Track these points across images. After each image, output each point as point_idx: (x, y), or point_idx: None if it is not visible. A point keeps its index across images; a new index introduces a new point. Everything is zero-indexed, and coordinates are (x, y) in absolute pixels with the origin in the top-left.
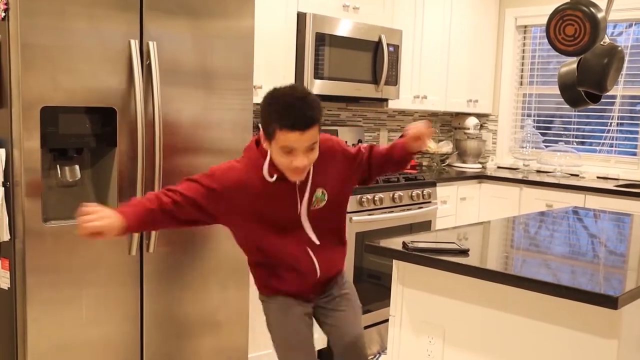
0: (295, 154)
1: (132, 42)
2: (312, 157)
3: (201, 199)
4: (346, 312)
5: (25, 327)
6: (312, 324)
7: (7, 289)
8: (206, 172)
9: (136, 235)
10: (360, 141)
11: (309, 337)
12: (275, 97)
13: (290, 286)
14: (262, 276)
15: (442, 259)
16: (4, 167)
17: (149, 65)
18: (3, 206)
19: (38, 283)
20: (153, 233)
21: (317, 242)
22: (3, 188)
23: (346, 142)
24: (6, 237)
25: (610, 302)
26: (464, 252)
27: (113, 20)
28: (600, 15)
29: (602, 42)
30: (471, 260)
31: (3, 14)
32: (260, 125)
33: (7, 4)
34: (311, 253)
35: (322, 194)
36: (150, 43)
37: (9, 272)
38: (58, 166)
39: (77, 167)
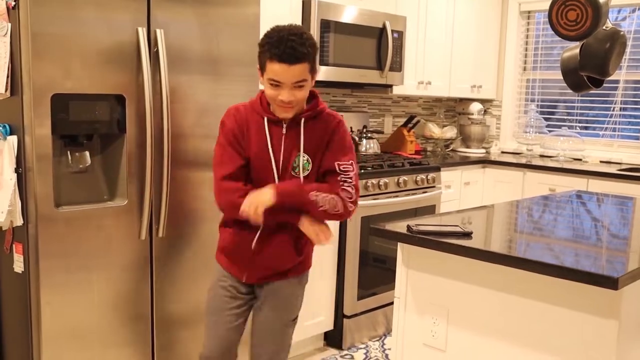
0: (282, 87)
1: (140, 29)
2: (299, 96)
3: (239, 148)
4: (266, 322)
5: (39, 310)
6: (238, 303)
7: (21, 272)
8: (220, 128)
9: (146, 220)
10: (365, 127)
11: (227, 308)
12: (273, 31)
13: (228, 248)
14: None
15: (446, 242)
16: (16, 153)
17: (157, 53)
18: (16, 192)
19: (51, 267)
20: (162, 217)
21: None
22: (15, 174)
23: (351, 128)
24: (19, 222)
25: (610, 282)
26: (468, 235)
27: (121, 8)
28: (602, 0)
29: (604, 27)
30: (474, 243)
31: (13, 3)
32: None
33: None
34: (257, 232)
35: (306, 162)
36: (158, 31)
37: (22, 256)
38: (68, 152)
39: (87, 153)
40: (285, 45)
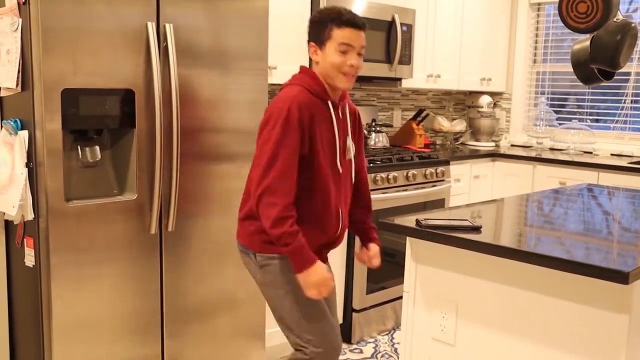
0: (349, 53)
1: (149, 24)
2: (361, 63)
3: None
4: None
5: (50, 303)
6: None
7: (32, 266)
8: (275, 122)
9: (155, 214)
10: (374, 120)
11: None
12: (327, 8)
13: (314, 237)
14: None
15: (455, 236)
16: (27, 148)
17: (166, 47)
18: (27, 186)
19: (61, 261)
20: (172, 211)
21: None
22: (26, 169)
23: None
24: (30, 216)
25: (621, 277)
26: (477, 229)
27: (130, 3)
28: None
29: (615, 19)
30: (483, 237)
31: None
32: (309, 41)
33: None
34: (341, 208)
35: (351, 145)
36: (167, 25)
37: (33, 250)
38: (79, 147)
39: (97, 147)
40: (350, 13)
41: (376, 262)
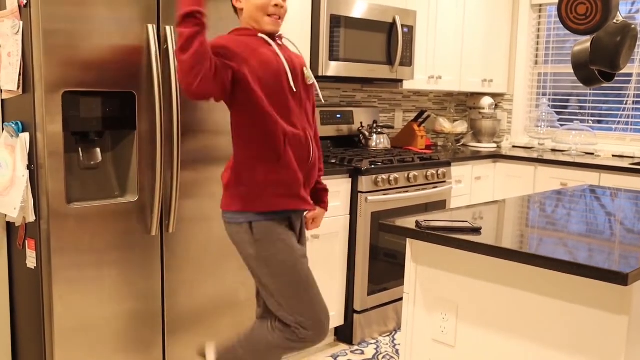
0: None
1: (150, 27)
2: (285, 5)
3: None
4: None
5: (52, 305)
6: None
7: (33, 268)
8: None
9: (156, 216)
10: (375, 122)
11: (308, 268)
12: None
13: (288, 174)
14: (260, 175)
15: (455, 237)
16: (28, 150)
17: (166, 50)
18: (28, 188)
19: (63, 262)
20: (172, 213)
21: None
22: (27, 171)
23: (361, 123)
24: (32, 218)
25: (620, 278)
26: (477, 231)
27: (131, 5)
28: None
29: (615, 20)
30: (483, 238)
31: (25, 1)
32: None
33: None
34: (308, 135)
35: (307, 72)
36: (167, 27)
37: (34, 252)
38: (80, 149)
39: (98, 150)
40: None
41: (314, 226)
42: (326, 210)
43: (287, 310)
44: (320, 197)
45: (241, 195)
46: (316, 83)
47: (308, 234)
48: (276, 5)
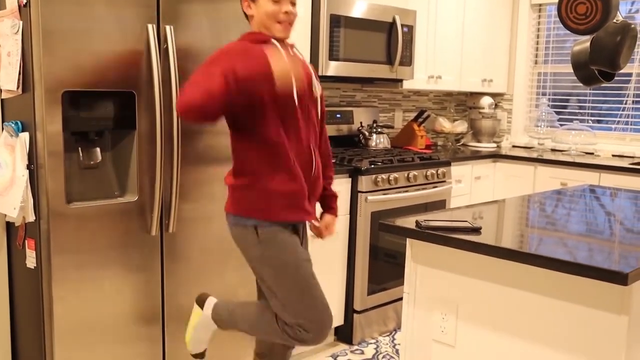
0: (283, 1)
1: (150, 26)
2: (295, 12)
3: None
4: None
5: (51, 305)
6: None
7: (33, 268)
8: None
9: (156, 216)
10: (375, 122)
11: (311, 270)
12: None
13: (294, 186)
14: (267, 184)
15: (454, 237)
16: (27, 150)
17: (166, 49)
18: (28, 188)
19: (62, 262)
20: (172, 213)
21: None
22: (27, 170)
23: (361, 123)
24: (31, 217)
25: (620, 278)
26: (476, 230)
27: (131, 5)
28: None
29: (615, 20)
30: (482, 238)
31: (25, 1)
32: None
33: None
34: (312, 148)
35: (315, 83)
36: (167, 27)
37: (34, 252)
38: (80, 149)
39: (98, 149)
40: None
41: (328, 233)
42: (336, 216)
43: (289, 312)
44: (328, 203)
45: (247, 200)
46: (322, 93)
47: (308, 234)
48: (286, 12)
